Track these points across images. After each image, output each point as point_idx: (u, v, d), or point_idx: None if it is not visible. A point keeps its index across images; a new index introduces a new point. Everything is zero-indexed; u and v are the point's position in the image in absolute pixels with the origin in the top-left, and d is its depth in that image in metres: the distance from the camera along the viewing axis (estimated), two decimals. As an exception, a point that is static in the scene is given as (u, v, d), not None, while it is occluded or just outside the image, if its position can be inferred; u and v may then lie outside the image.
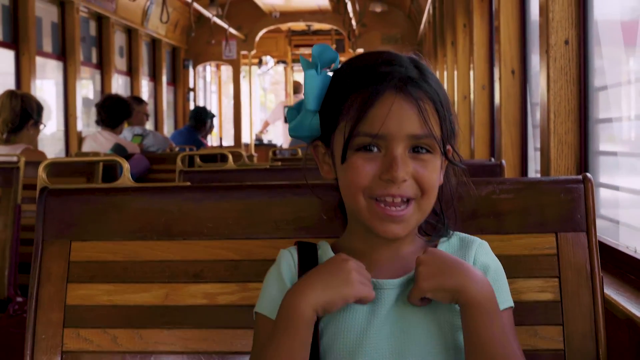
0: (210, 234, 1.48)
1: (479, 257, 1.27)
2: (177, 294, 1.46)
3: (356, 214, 1.22)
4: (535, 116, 3.68)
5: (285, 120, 9.45)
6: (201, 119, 8.17)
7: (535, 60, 3.71)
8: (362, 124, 1.17)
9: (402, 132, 1.16)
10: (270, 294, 1.26)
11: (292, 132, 1.29)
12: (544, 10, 2.75)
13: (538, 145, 3.17)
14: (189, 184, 2.07)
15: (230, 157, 2.83)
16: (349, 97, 1.19)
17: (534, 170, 3.75)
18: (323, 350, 1.20)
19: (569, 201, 1.47)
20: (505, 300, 1.25)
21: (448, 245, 1.29)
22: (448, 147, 1.24)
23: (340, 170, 1.22)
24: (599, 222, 2.61)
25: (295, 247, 1.30)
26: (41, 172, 1.71)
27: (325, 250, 1.29)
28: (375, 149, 1.18)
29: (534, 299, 1.43)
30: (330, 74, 1.27)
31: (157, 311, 1.45)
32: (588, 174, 1.49)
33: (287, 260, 1.28)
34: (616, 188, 2.59)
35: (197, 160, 3.36)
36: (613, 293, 1.88)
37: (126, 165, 1.71)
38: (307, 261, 1.27)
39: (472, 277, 1.18)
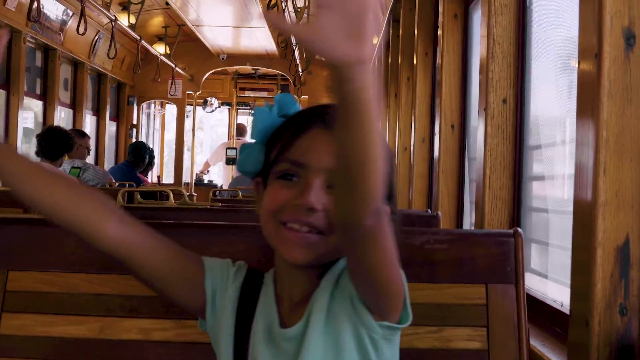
0: (148, 269, 1.49)
1: (336, 269, 1.26)
2: (112, 328, 1.47)
3: (268, 239, 1.25)
4: (472, 170, 3.76)
5: (227, 162, 9.41)
6: (140, 155, 8.10)
7: (473, 116, 3.80)
8: (287, 151, 1.22)
9: (321, 164, 1.19)
10: (217, 261, 1.34)
11: (239, 167, 1.32)
12: (484, 69, 2.84)
13: (474, 199, 3.24)
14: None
15: (171, 195, 2.83)
16: (285, 130, 1.25)
17: (469, 222, 3.82)
18: None
19: (499, 254, 1.52)
20: None
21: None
22: None
23: (262, 200, 1.26)
24: (529, 276, 2.69)
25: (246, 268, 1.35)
26: (-19, 201, 1.70)
27: (268, 278, 1.33)
28: (295, 179, 1.21)
29: (462, 347, 1.47)
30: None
31: (92, 344, 1.46)
32: (519, 229, 1.54)
33: (239, 267, 1.34)
34: (546, 244, 2.67)
35: (138, 196, 3.35)
36: (538, 344, 1.94)
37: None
38: (252, 286, 1.31)
39: None
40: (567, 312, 1.81)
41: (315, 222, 1.19)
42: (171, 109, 14.68)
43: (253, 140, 1.32)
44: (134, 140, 12.59)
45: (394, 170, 1.30)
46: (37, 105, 8.83)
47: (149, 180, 9.55)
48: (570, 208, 1.78)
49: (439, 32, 4.13)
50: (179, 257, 1.28)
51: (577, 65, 1.81)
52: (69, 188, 1.22)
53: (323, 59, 0.91)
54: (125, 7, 9.16)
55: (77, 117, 9.95)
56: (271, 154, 1.26)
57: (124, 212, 1.25)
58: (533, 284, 2.60)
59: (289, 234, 1.20)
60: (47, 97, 8.82)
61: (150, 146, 9.46)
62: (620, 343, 1.59)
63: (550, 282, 2.51)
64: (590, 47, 1.71)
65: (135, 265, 1.24)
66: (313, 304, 1.22)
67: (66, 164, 6.49)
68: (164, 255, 1.26)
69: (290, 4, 7.76)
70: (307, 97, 14.05)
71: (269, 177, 1.25)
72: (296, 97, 14.15)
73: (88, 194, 1.24)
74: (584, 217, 1.67)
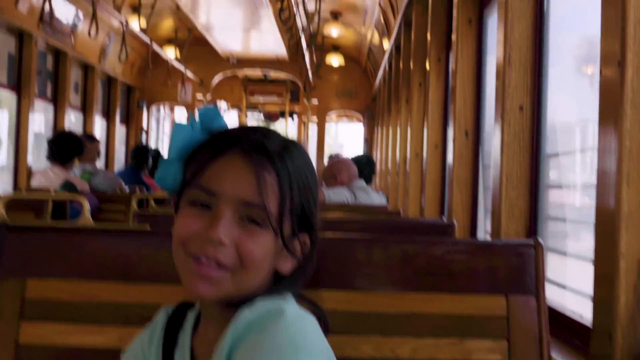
0: (166, 278, 1.48)
1: (230, 333, 1.09)
2: (130, 338, 1.45)
3: (177, 268, 1.15)
4: (486, 178, 3.74)
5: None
6: (143, 157, 8.06)
7: (487, 122, 3.79)
8: (200, 176, 1.12)
9: (233, 195, 1.10)
10: (132, 344, 1.27)
11: (157, 182, 1.22)
12: (500, 75, 2.82)
13: (488, 206, 3.22)
14: (148, 226, 2.07)
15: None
16: (201, 152, 1.15)
17: (483, 230, 3.80)
18: None
19: (519, 264, 1.50)
20: None
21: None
22: (289, 231, 1.14)
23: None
24: (547, 287, 2.67)
25: (173, 308, 1.27)
26: (0, 209, 1.69)
27: (191, 316, 1.24)
28: (207, 208, 1.11)
29: (483, 359, 1.45)
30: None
31: (110, 354, 1.44)
32: (539, 238, 1.53)
33: (157, 320, 1.26)
34: (564, 253, 2.65)
35: (151, 202, 3.35)
36: (559, 356, 1.92)
37: (86, 206, 1.70)
38: (173, 325, 1.24)
39: None
40: (588, 324, 1.79)
41: (222, 258, 1.09)
42: (181, 113, 14.72)
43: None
44: (143, 143, 12.62)
45: (315, 199, 1.18)
46: (47, 108, 8.86)
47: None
48: (588, 217, 1.76)
49: (453, 37, 4.11)
50: None
51: (599, 71, 1.79)
52: None
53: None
54: (136, 9, 9.18)
55: (87, 121, 9.98)
56: (186, 175, 1.15)
57: None
58: (551, 294, 2.58)
59: (195, 267, 1.10)
60: (57, 101, 8.85)
61: (160, 150, 9.44)
62: (644, 356, 1.58)
63: (568, 293, 2.49)
64: (612, 54, 1.69)
65: None
66: None
67: (77, 168, 6.50)
68: None
69: (301, 8, 7.76)
70: (316, 100, 14.06)
71: (181, 199, 1.15)
72: (306, 101, 14.18)
73: None
74: (607, 227, 1.65)
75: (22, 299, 1.47)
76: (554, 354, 1.89)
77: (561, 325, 2.25)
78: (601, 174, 1.71)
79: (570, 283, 2.49)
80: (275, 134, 1.16)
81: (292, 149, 1.15)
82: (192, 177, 1.12)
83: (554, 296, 2.55)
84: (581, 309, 2.20)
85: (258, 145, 1.11)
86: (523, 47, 2.79)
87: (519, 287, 1.51)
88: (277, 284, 1.17)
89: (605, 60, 1.75)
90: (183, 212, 1.13)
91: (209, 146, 1.14)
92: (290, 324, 1.07)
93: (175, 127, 1.19)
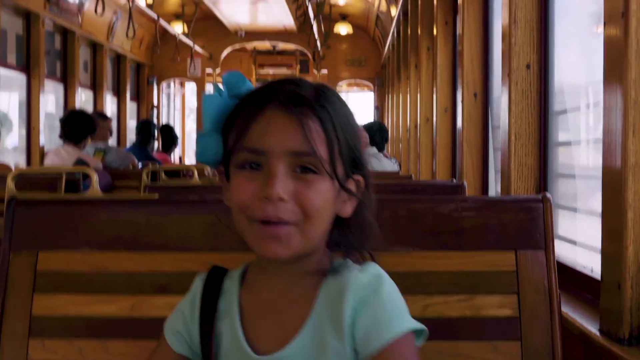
0: (176, 246, 1.49)
1: (352, 295, 1.11)
2: (142, 306, 1.47)
3: (242, 236, 1.14)
4: (496, 139, 3.73)
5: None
6: (148, 132, 8.01)
7: (496, 85, 3.77)
8: (244, 139, 1.11)
9: (282, 148, 1.09)
10: (173, 317, 1.26)
11: (198, 158, 1.21)
12: (506, 35, 2.81)
13: (498, 168, 3.22)
14: (156, 196, 2.08)
15: (195, 172, 2.84)
16: (239, 114, 1.14)
17: (494, 191, 3.80)
18: None
19: (528, 220, 1.50)
20: (396, 326, 1.11)
21: (334, 281, 1.15)
22: (342, 173, 1.14)
23: (229, 192, 1.16)
24: (558, 243, 2.67)
25: (206, 274, 1.25)
26: (10, 183, 1.71)
27: (232, 281, 1.23)
28: (258, 168, 1.11)
29: (493, 314, 1.45)
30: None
31: (123, 323, 1.46)
32: (547, 194, 1.52)
33: (194, 289, 1.25)
34: (574, 210, 2.65)
35: (162, 175, 3.36)
36: (570, 311, 1.93)
37: (95, 177, 1.72)
38: (210, 293, 1.22)
39: None
40: (598, 277, 1.80)
41: (285, 214, 1.09)
42: (191, 88, 14.72)
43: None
44: (154, 120, 12.64)
45: (359, 137, 1.19)
46: (58, 88, 8.88)
47: (172, 161, 9.56)
48: (598, 173, 1.75)
49: (459, 0, 4.09)
50: None
51: (602, 28, 1.78)
52: None
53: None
54: (142, -14, 9.16)
55: (97, 99, 10.00)
56: (229, 142, 1.14)
57: None
58: (562, 251, 2.58)
59: (261, 229, 1.10)
60: (67, 80, 8.86)
61: (170, 124, 9.45)
62: (654, 306, 1.58)
63: (579, 248, 2.49)
64: (616, 7, 1.68)
65: None
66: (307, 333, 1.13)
67: (89, 147, 6.53)
68: None
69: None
70: (326, 70, 14.02)
71: (230, 167, 1.14)
72: (315, 71, 14.13)
73: None
74: (614, 181, 1.65)
75: (34, 272, 1.48)
76: (564, 308, 1.90)
77: (572, 280, 2.25)
78: (607, 131, 1.71)
79: (581, 239, 2.50)
80: (304, 82, 1.15)
81: (326, 92, 1.14)
82: (235, 141, 1.12)
83: (566, 253, 2.56)
84: (592, 264, 2.20)
85: (294, 95, 1.11)
86: (529, 5, 2.78)
87: (527, 243, 1.50)
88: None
89: (608, 13, 1.74)
90: (235, 179, 1.13)
91: (244, 108, 1.13)
92: (392, 287, 1.14)
93: (204, 98, 1.18)
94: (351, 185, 1.16)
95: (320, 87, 1.15)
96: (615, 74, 1.68)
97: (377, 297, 1.11)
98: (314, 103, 1.11)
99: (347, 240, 1.20)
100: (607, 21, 1.74)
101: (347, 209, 1.17)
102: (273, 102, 1.10)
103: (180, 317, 1.24)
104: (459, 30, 4.19)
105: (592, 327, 1.77)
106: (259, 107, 1.11)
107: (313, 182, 1.10)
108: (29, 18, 7.71)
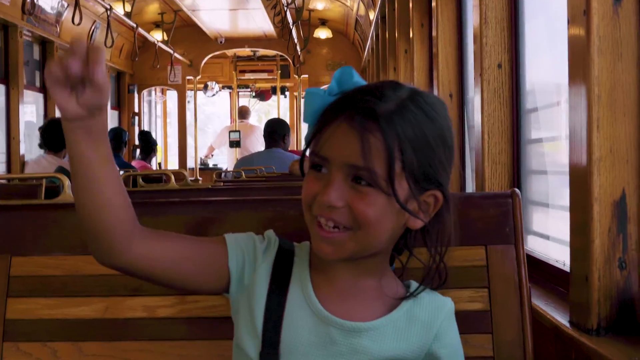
0: (150, 248, 1.50)
1: (443, 330, 1.27)
2: (116, 308, 1.48)
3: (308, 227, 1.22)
4: (471, 138, 3.76)
5: (230, 145, 9.35)
6: (120, 140, 8.02)
7: (471, 85, 3.80)
8: (316, 142, 1.18)
9: (341, 159, 1.14)
10: (242, 237, 1.29)
11: (304, 117, 1.26)
12: (477, 36, 2.84)
13: (474, 167, 3.24)
14: (129, 200, 2.08)
15: (172, 177, 2.85)
16: (321, 117, 1.20)
17: (471, 190, 3.82)
18: None
19: (498, 215, 1.52)
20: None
21: (414, 305, 1.27)
22: (407, 189, 1.16)
23: None
24: (532, 238, 2.70)
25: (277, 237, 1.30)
26: (-16, 190, 1.71)
27: (301, 257, 1.28)
28: (324, 170, 1.17)
29: (464, 308, 1.47)
30: None
31: (97, 324, 1.47)
32: (516, 190, 1.55)
33: (270, 237, 1.30)
34: (547, 205, 2.68)
35: (140, 181, 3.37)
36: (541, 303, 1.95)
37: (67, 182, 1.73)
38: (283, 256, 1.28)
39: None
40: (568, 270, 1.82)
41: (338, 219, 1.15)
42: (172, 96, 14.69)
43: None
44: (136, 128, 12.61)
45: (450, 151, 1.22)
46: (38, 97, 8.84)
47: (153, 168, 9.55)
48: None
49: (433, 3, 4.12)
50: (201, 252, 1.25)
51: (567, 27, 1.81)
52: (123, 193, 1.18)
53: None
54: (120, -6, 9.14)
55: (78, 108, 9.94)
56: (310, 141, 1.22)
57: (147, 228, 1.23)
58: (536, 246, 2.61)
59: (318, 230, 1.18)
60: (47, 90, 8.82)
61: (150, 132, 9.44)
62: (621, 297, 1.61)
63: (552, 243, 2.52)
64: (578, 5, 1.71)
65: (154, 277, 1.23)
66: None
67: (69, 155, 6.51)
68: (185, 258, 1.23)
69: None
70: (306, 75, 14.03)
71: (303, 164, 1.25)
72: (296, 76, 14.13)
73: (129, 204, 1.20)
74: (580, 175, 1.68)
75: (7, 276, 1.49)
76: (535, 301, 1.93)
77: (544, 273, 2.28)
78: (572, 129, 1.73)
79: (554, 234, 2.53)
80: (392, 93, 1.16)
81: (408, 106, 1.16)
82: (309, 142, 1.20)
83: (539, 248, 2.58)
84: (565, 258, 2.23)
85: (365, 109, 1.14)
86: (499, 5, 2.81)
87: (497, 238, 1.53)
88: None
89: (572, 12, 1.77)
90: (307, 176, 1.21)
91: (326, 112, 1.19)
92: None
93: (307, 93, 1.25)
94: (419, 204, 1.20)
95: (407, 101, 1.16)
96: (579, 71, 1.71)
97: (452, 324, 1.31)
98: (382, 119, 1.13)
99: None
100: (571, 20, 1.77)
101: (417, 223, 1.22)
102: (346, 112, 1.15)
103: (251, 242, 1.28)
104: (433, 32, 4.22)
105: (562, 319, 1.80)
106: (333, 116, 1.17)
107: (367, 194, 1.15)
108: (6, 29, 7.69)
